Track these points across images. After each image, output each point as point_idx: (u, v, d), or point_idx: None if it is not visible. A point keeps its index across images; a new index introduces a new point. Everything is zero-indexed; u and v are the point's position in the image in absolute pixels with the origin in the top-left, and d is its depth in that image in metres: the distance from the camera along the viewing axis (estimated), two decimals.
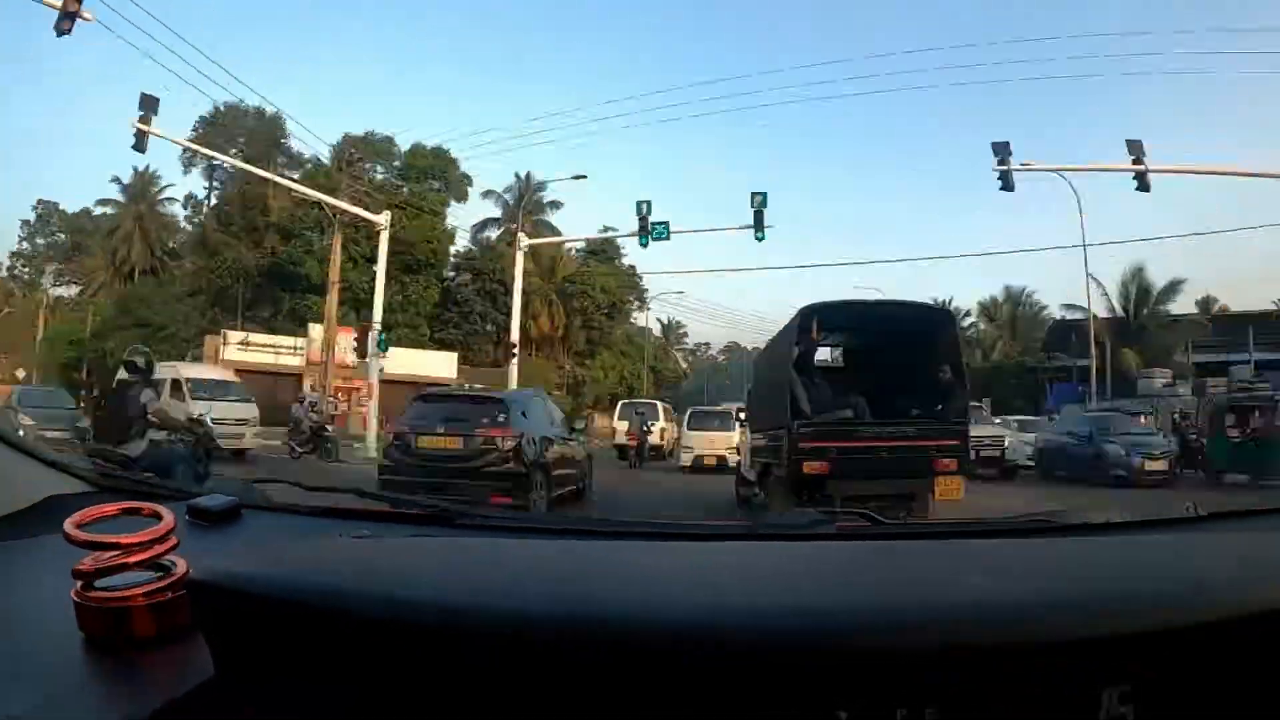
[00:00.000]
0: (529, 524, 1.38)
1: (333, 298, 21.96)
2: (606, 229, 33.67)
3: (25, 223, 44.64)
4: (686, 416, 19.30)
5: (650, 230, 19.33)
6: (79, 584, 0.74)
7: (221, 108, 31.15)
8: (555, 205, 39.22)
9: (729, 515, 8.57)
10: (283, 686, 0.65)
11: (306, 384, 24.89)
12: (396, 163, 36.06)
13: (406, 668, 0.62)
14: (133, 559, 0.75)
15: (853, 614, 0.63)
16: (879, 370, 8.19)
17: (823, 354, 8.23)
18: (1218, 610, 0.63)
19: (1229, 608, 0.63)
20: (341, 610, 0.63)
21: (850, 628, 0.60)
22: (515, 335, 23.67)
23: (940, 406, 7.11)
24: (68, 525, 0.76)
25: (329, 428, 16.21)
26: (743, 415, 10.68)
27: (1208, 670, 0.62)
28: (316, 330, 25.79)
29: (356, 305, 27.99)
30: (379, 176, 33.21)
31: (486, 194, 39.05)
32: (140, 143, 14.96)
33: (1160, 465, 13.83)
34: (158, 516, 0.80)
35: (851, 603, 0.67)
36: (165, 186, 40.23)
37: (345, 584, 0.67)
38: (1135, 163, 15.52)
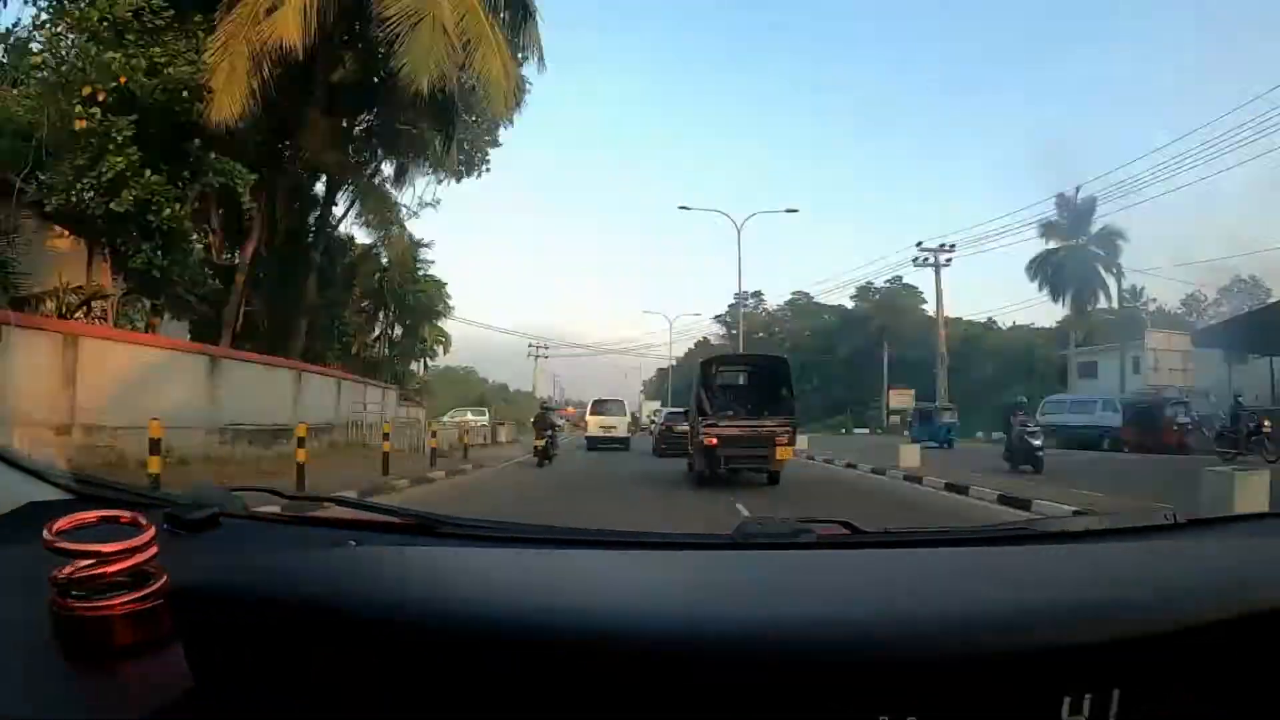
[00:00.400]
0: (510, 534, 1.37)
1: None
2: None
3: None
4: (589, 404, 27.81)
5: None
6: (57, 592, 0.74)
7: None
8: None
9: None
10: (263, 697, 0.65)
11: None
12: None
13: (388, 678, 0.62)
14: (112, 568, 0.75)
15: (833, 624, 0.63)
16: (743, 390, 14.90)
17: (714, 383, 14.77)
18: (1193, 617, 0.63)
19: (1204, 614, 0.64)
20: (322, 620, 0.63)
21: (830, 637, 0.61)
22: None
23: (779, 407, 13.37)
24: (47, 533, 0.75)
25: None
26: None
27: (1185, 676, 0.63)
28: None
29: None
30: None
31: None
32: None
33: None
34: (137, 524, 0.79)
35: (831, 613, 0.67)
36: None
37: (326, 594, 0.66)
38: None
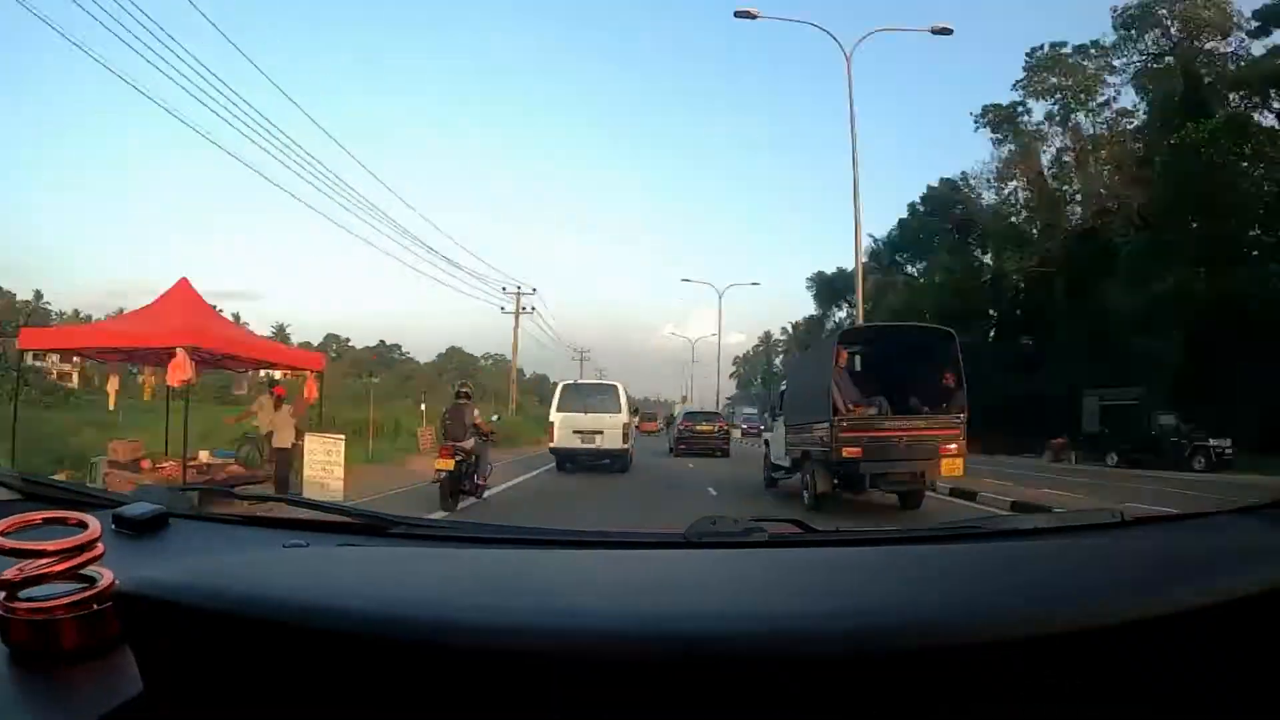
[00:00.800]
0: (460, 533, 1.38)
1: None
2: None
3: None
4: (556, 392, 15.81)
5: None
6: (2, 594, 0.72)
7: None
8: None
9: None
10: (213, 699, 0.65)
11: None
12: None
13: (339, 679, 0.62)
14: (58, 568, 0.74)
15: (782, 621, 0.64)
16: (893, 377, 10.34)
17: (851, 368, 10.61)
18: (1137, 610, 0.64)
19: (1148, 607, 0.64)
20: (273, 621, 0.62)
21: (784, 634, 0.61)
22: None
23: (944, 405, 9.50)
24: None
25: None
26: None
27: (1134, 668, 0.64)
28: None
29: None
30: None
31: None
32: None
33: None
34: (83, 526, 0.78)
35: (781, 610, 0.67)
36: None
37: (277, 594, 0.65)
38: None
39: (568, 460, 15.09)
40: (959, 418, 9.04)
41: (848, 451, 8.60)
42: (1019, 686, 0.62)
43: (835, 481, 9.11)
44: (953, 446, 8.75)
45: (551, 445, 15.22)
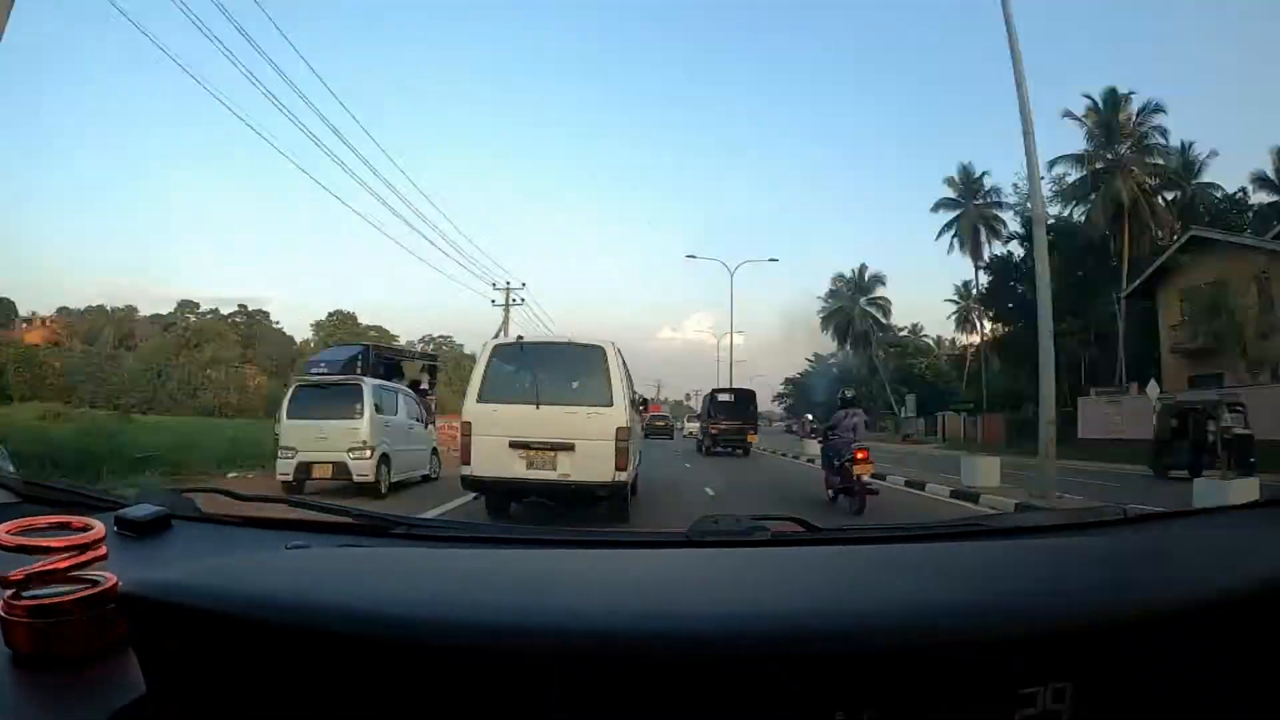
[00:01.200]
0: (463, 534, 1.38)
1: None
2: None
3: None
4: (483, 357, 7.80)
5: None
6: (7, 595, 0.73)
7: None
8: None
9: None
10: (216, 700, 0.65)
11: None
12: None
13: (343, 680, 0.62)
14: (61, 566, 0.74)
15: (786, 619, 0.63)
16: (729, 405, 25.50)
17: (717, 401, 25.28)
18: (1141, 607, 0.64)
19: (1151, 605, 0.65)
20: (276, 622, 0.63)
21: (786, 632, 0.61)
22: None
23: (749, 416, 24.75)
24: None
25: None
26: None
27: (1134, 664, 0.64)
28: None
29: None
30: None
31: None
32: None
33: None
34: (87, 528, 0.78)
35: (785, 608, 0.67)
36: None
37: (280, 596, 0.66)
38: None
39: (502, 499, 7.71)
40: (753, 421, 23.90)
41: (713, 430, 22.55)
42: (1023, 684, 0.61)
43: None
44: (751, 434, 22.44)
45: (466, 472, 7.37)
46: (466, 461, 7.33)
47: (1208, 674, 0.66)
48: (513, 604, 0.67)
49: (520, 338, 8.28)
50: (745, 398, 26.60)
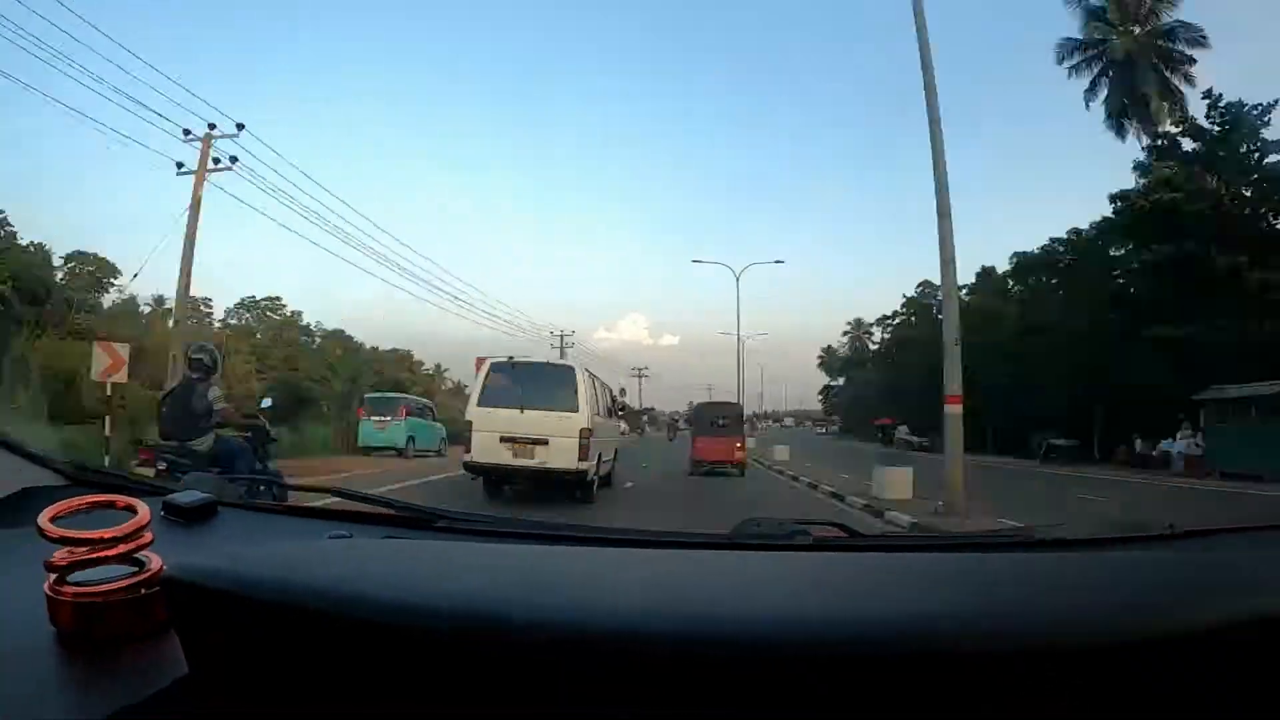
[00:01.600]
0: (505, 529, 1.38)
1: None
2: None
3: None
4: (481, 371, 10.73)
5: None
6: (52, 578, 0.74)
7: None
8: None
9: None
10: (256, 686, 0.65)
11: None
12: None
13: (381, 670, 0.62)
14: (107, 553, 0.75)
15: (831, 623, 0.63)
16: (717, 418, 20.51)
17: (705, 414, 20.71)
18: (1185, 625, 0.63)
19: (1197, 623, 0.64)
20: (317, 611, 0.63)
21: (828, 636, 0.61)
22: None
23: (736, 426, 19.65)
24: (41, 518, 0.75)
25: None
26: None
27: (1178, 684, 0.63)
28: None
29: None
30: None
31: None
32: None
33: None
34: (133, 511, 0.79)
35: (829, 612, 0.67)
36: None
37: (321, 584, 0.66)
38: None
39: (497, 482, 10.49)
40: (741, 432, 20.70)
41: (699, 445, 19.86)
42: (1066, 697, 0.61)
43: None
44: (740, 444, 19.21)
45: (468, 459, 10.13)
46: (468, 451, 10.21)
47: (1258, 697, 0.64)
48: (554, 601, 0.67)
49: (511, 358, 10.88)
50: (734, 413, 21.56)
